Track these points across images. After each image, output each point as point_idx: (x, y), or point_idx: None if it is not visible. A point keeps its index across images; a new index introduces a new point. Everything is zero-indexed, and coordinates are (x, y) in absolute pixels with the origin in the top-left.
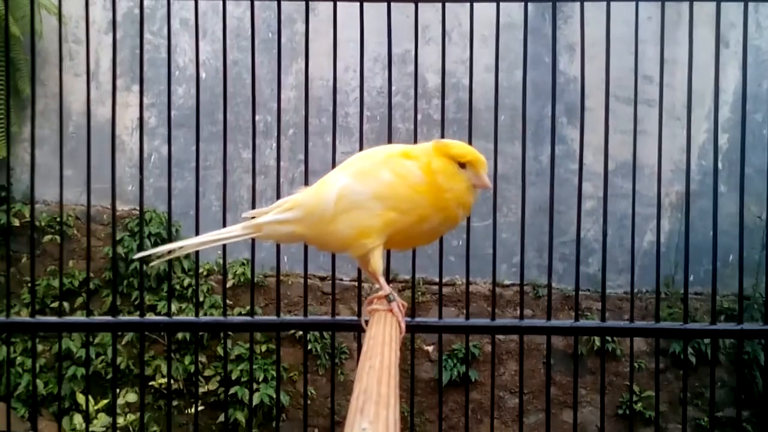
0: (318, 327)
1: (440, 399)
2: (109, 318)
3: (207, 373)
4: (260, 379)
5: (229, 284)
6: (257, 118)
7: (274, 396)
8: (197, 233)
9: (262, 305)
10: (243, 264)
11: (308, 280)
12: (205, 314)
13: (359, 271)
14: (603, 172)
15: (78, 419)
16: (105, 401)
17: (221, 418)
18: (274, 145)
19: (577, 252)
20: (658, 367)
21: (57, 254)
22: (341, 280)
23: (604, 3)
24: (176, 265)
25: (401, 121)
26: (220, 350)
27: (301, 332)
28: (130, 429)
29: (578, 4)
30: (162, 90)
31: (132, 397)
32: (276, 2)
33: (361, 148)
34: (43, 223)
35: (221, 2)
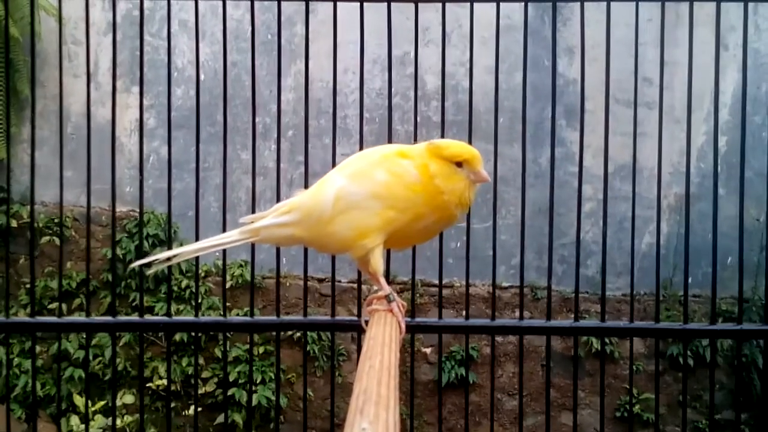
0: (318, 327)
1: (440, 401)
2: (108, 318)
3: (205, 375)
4: (258, 381)
5: (227, 285)
6: (257, 119)
7: (272, 397)
8: (197, 234)
9: (260, 307)
10: (241, 266)
11: (307, 282)
12: (203, 315)
13: (359, 273)
14: (603, 174)
15: (75, 420)
16: (102, 402)
17: (219, 419)
18: (273, 146)
19: (577, 253)
20: (657, 368)
21: (55, 255)
22: (339, 281)
23: (604, 4)
24: (174, 267)
25: (400, 123)
26: (218, 352)
27: (299, 334)
28: (128, 430)
29: (578, 5)
30: (161, 91)
31: (129, 398)
32: (276, 3)
33: (361, 149)
34: (41, 225)
35: (221, 3)
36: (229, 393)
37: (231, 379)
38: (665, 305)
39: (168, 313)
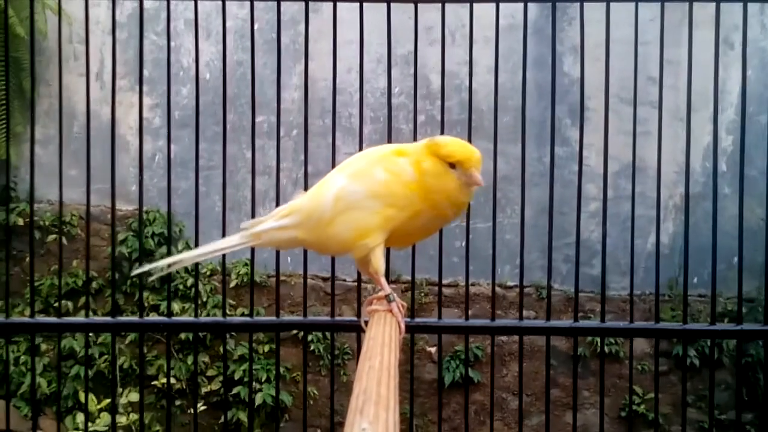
0: (318, 328)
1: (440, 400)
2: (108, 318)
3: (210, 372)
4: (263, 379)
5: (232, 284)
6: (261, 118)
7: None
8: (197, 233)
9: (265, 305)
10: (246, 264)
11: (311, 281)
12: (209, 314)
13: (359, 272)
14: (603, 173)
15: (80, 418)
16: (108, 400)
17: (224, 417)
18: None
19: (577, 253)
20: (657, 368)
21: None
22: (344, 280)
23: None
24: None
25: (405, 122)
26: (221, 350)
27: (302, 333)
28: (133, 428)
29: (581, 5)
30: (165, 90)
31: (135, 396)
32: (276, 3)
33: (360, 149)
34: (47, 223)
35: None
36: (234, 391)
37: (236, 377)
38: (671, 305)
39: (168, 314)
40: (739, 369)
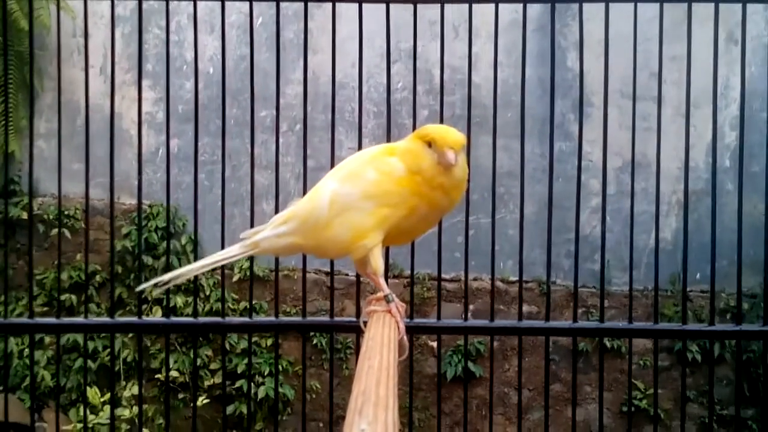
0: (317, 328)
1: (439, 397)
2: (107, 319)
3: (213, 366)
4: (266, 373)
5: (235, 278)
6: (266, 113)
7: (279, 390)
8: (196, 231)
9: (267, 299)
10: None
11: (314, 276)
12: (212, 308)
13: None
14: (602, 170)
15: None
16: (110, 394)
17: (228, 410)
18: (282, 140)
19: (576, 255)
20: (656, 368)
21: (65, 247)
22: (346, 274)
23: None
24: (183, 261)
25: (408, 116)
26: (226, 344)
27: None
28: (136, 421)
29: (580, 5)
30: (170, 85)
31: (137, 389)
32: (275, 2)
33: (360, 146)
34: (50, 216)
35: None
36: (237, 385)
37: (239, 371)
38: (673, 300)
39: (167, 314)
40: (739, 367)
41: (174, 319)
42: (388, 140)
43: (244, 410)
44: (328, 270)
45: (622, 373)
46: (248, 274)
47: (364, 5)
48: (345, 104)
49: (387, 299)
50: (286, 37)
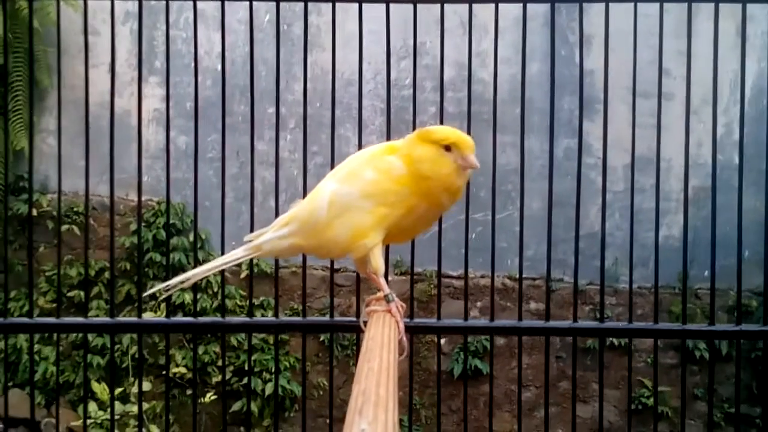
0: (317, 329)
1: (438, 397)
2: (107, 319)
3: (221, 363)
4: (272, 370)
5: (243, 275)
6: (272, 110)
7: (287, 386)
8: (195, 231)
9: (274, 297)
10: None
11: (321, 272)
12: (217, 305)
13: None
14: (602, 169)
15: (93, 407)
16: (119, 390)
17: (234, 407)
18: (288, 136)
19: (576, 250)
20: (656, 367)
21: (74, 244)
22: (353, 272)
23: None
24: (191, 257)
25: (416, 113)
26: (234, 341)
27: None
28: (144, 417)
29: (580, 5)
30: (177, 81)
31: (146, 386)
32: (275, 3)
33: (360, 142)
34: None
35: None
36: (245, 381)
37: (245, 368)
38: (681, 298)
39: (167, 314)
40: (739, 366)
41: (174, 318)
42: (388, 138)
43: (252, 406)
44: (335, 267)
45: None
46: (255, 271)
47: (364, 5)
48: (353, 101)
49: (387, 299)
50: (295, 33)
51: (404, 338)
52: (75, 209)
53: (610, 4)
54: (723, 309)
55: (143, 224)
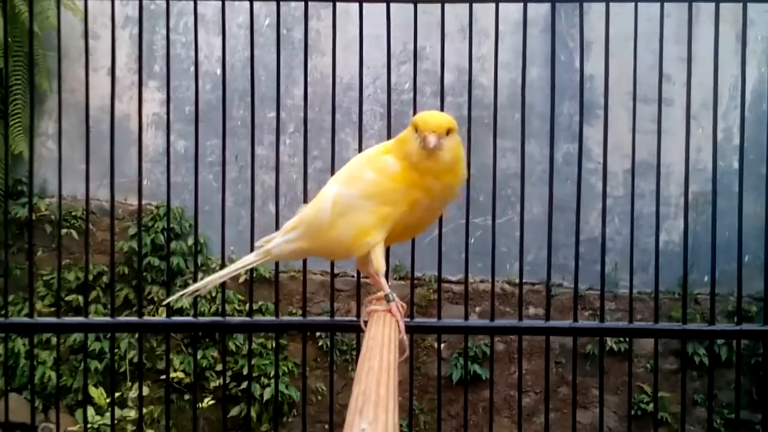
0: (317, 328)
1: (439, 399)
2: (108, 319)
3: (219, 367)
4: (271, 375)
5: (242, 280)
6: (272, 114)
7: (286, 391)
8: (195, 231)
9: (273, 301)
10: None
11: (321, 277)
12: (217, 309)
13: (358, 272)
14: (602, 171)
15: (91, 412)
16: (117, 394)
17: (232, 412)
18: (288, 141)
19: (576, 250)
20: (656, 368)
21: (73, 248)
22: (352, 276)
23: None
24: (190, 261)
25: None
26: (231, 345)
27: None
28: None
29: (581, 5)
30: (177, 86)
31: (144, 390)
32: (276, 3)
33: (360, 146)
34: (58, 217)
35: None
36: (243, 386)
37: (244, 372)
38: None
39: (168, 314)
40: (739, 368)
41: (174, 318)
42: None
43: (250, 411)
44: (336, 272)
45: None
46: (255, 275)
47: (365, 5)
48: (352, 105)
49: (387, 299)
50: (295, 37)
51: (405, 338)
52: (73, 213)
53: (611, 7)
54: (723, 314)
55: (142, 228)
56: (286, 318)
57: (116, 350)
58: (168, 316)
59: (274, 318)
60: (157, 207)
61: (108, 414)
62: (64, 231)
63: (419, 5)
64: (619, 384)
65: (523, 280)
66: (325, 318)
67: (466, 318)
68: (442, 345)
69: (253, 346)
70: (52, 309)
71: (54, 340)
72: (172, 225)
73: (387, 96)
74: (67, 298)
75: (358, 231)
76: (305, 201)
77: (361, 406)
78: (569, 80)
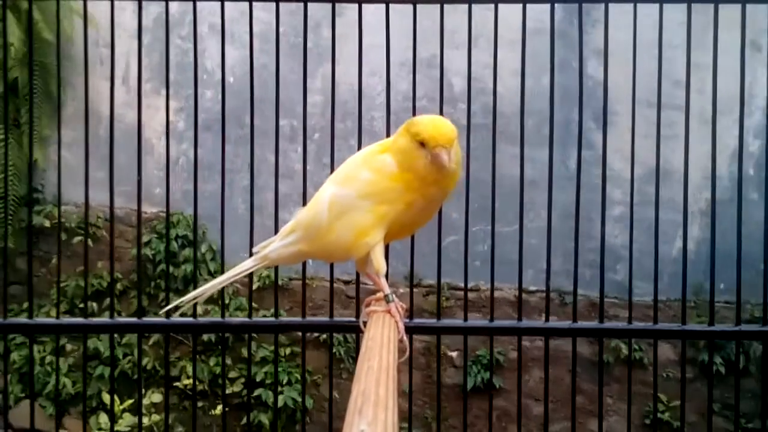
0: (316, 328)
1: (438, 402)
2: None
3: (231, 375)
4: (284, 382)
5: (254, 287)
6: (284, 122)
7: (298, 399)
8: (195, 231)
9: (286, 308)
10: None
11: (337, 285)
12: (231, 316)
13: (357, 273)
14: (602, 177)
15: (103, 419)
16: (130, 401)
17: (245, 419)
18: (299, 149)
19: (576, 248)
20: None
21: (89, 255)
22: (365, 284)
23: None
24: (202, 268)
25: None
26: (244, 352)
27: (325, 335)
28: (155, 429)
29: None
30: (190, 94)
31: (157, 397)
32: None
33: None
34: (73, 225)
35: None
36: (255, 393)
37: (257, 379)
38: (697, 311)
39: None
40: (738, 370)
41: (174, 318)
42: None
43: (263, 419)
44: (347, 278)
45: (644, 385)
46: (266, 282)
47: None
48: (364, 113)
49: (387, 299)
50: (313, 42)
51: (405, 338)
52: (88, 221)
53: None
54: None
55: (155, 236)
56: (285, 318)
57: (129, 357)
58: (167, 316)
59: (273, 318)
60: (171, 214)
61: (121, 421)
62: (78, 239)
63: (417, 7)
64: (633, 393)
65: (535, 288)
66: (325, 318)
67: (466, 318)
68: (455, 353)
69: (265, 353)
70: (67, 316)
71: (69, 346)
72: (185, 232)
73: (387, 97)
74: (81, 306)
75: (357, 231)
76: (304, 204)
77: (360, 406)
78: (583, 87)
